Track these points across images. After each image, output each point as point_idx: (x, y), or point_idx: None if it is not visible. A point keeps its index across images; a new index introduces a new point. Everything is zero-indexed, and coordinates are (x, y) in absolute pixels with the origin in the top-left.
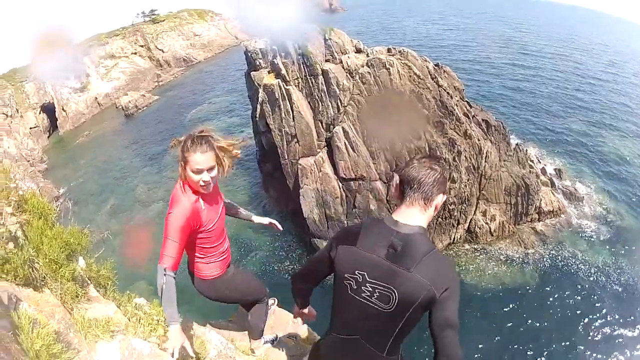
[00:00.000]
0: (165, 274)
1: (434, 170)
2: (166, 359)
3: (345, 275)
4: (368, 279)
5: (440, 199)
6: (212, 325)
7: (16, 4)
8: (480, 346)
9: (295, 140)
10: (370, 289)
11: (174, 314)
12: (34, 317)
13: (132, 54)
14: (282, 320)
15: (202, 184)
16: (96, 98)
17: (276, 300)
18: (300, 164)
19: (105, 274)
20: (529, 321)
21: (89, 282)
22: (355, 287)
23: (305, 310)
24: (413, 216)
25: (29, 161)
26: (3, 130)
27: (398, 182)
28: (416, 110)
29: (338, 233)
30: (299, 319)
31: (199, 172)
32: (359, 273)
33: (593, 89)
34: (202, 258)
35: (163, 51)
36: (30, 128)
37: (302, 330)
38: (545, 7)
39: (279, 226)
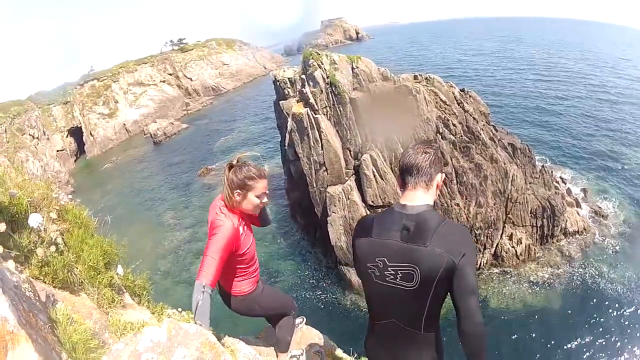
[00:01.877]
0: (203, 290)
1: (427, 154)
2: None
3: (368, 264)
4: (389, 263)
5: (439, 177)
6: (242, 339)
7: (44, 30)
8: None
9: (324, 168)
10: (393, 272)
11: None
12: (71, 315)
13: (160, 81)
14: (308, 337)
15: (261, 205)
16: (124, 124)
17: (304, 319)
18: (328, 192)
19: (140, 284)
20: (558, 342)
21: (124, 290)
22: (379, 273)
23: None
24: (418, 197)
25: (55, 183)
26: (29, 151)
27: (399, 172)
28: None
29: (355, 229)
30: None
31: (262, 196)
32: (379, 260)
33: (617, 107)
34: (236, 277)
35: (192, 80)
36: (57, 151)
37: (328, 347)
38: (569, 25)
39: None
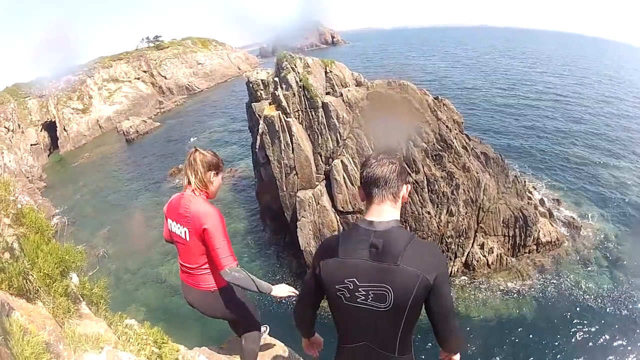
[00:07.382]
0: (240, 271)
1: (394, 165)
2: None
3: (336, 287)
4: (359, 284)
5: (405, 189)
6: (202, 351)
7: (23, 20)
8: None
9: (294, 172)
10: (364, 293)
11: (267, 284)
12: (26, 326)
13: (135, 79)
14: (272, 350)
15: None
16: (98, 121)
17: (268, 328)
18: (298, 196)
19: (98, 293)
20: (529, 352)
21: (81, 299)
22: (349, 295)
23: (313, 339)
24: (386, 212)
25: (28, 178)
26: (3, 144)
27: (361, 184)
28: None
29: (317, 250)
30: (312, 353)
31: None
32: (348, 281)
33: (590, 119)
34: (210, 267)
35: (166, 78)
36: (31, 145)
37: None
38: (545, 37)
39: None
